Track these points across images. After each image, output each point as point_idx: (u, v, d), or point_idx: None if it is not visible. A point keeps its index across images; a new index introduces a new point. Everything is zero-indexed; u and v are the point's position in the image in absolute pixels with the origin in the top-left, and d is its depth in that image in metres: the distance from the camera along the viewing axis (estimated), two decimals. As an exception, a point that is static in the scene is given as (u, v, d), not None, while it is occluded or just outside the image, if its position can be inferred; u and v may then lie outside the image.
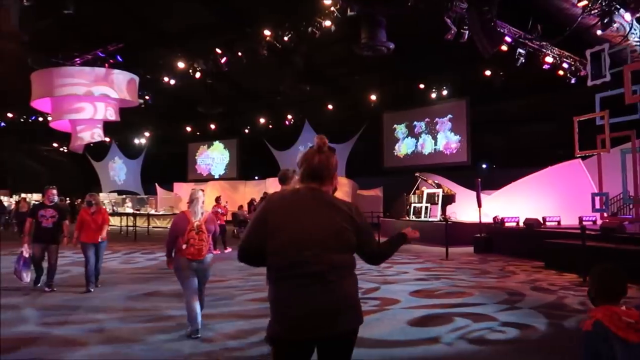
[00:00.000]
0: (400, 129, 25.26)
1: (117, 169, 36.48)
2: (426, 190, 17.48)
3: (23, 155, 35.59)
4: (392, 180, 22.78)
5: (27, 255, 6.87)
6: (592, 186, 13.04)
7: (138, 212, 23.77)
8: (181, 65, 19.02)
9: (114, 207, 26.54)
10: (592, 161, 13.34)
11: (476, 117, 21.86)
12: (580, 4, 11.78)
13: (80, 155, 24.62)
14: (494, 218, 13.57)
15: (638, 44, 12.48)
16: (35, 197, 27.75)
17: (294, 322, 2.03)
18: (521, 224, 12.76)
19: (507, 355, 4.41)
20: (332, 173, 2.25)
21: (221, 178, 31.01)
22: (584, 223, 11.50)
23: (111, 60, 18.35)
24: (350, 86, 23.93)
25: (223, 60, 17.73)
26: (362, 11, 13.83)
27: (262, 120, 27.47)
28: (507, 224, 13.14)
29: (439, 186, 17.34)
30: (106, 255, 8.97)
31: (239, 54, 17.32)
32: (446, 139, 23.32)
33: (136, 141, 33.71)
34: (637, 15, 12.00)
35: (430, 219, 16.58)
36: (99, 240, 7.24)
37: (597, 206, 12.20)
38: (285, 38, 15.93)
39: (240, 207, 17.99)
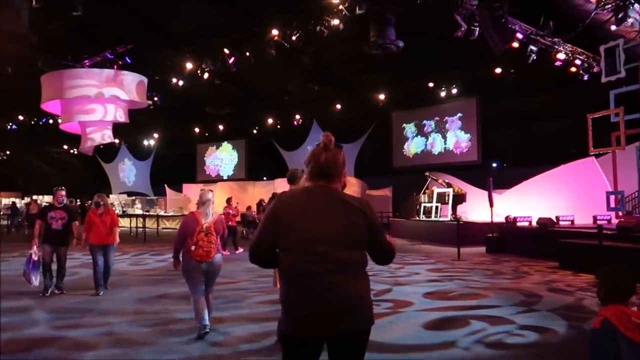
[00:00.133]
0: (410, 128, 25.06)
1: (127, 171, 36.71)
2: (436, 190, 17.33)
3: (33, 157, 35.90)
4: (401, 180, 22.61)
5: (36, 258, 6.85)
6: (607, 184, 12.82)
7: (147, 213, 23.84)
8: (189, 65, 19.03)
9: (124, 209, 26.67)
10: (606, 159, 13.12)
11: (486, 115, 21.61)
12: (594, -1, 11.60)
13: (90, 157, 24.75)
14: (506, 217, 13.38)
15: (653, 39, 12.23)
16: (45, 199, 28.01)
17: (301, 321, 2.02)
18: (534, 223, 12.56)
19: (528, 360, 4.27)
20: (340, 170, 2.23)
21: (230, 179, 31.05)
22: (599, 222, 11.31)
23: (120, 62, 18.41)
24: (359, 85, 23.74)
25: (231, 60, 17.68)
26: (370, 9, 13.69)
27: (270, 121, 27.44)
28: (519, 224, 12.97)
29: (449, 185, 17.18)
30: (116, 257, 8.95)
31: (247, 53, 17.26)
32: (456, 138, 23.08)
33: (145, 142, 33.87)
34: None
35: (440, 219, 16.44)
36: (112, 244, 7.21)
37: (612, 205, 11.99)
38: (293, 37, 15.84)
39: (249, 207, 17.85)
